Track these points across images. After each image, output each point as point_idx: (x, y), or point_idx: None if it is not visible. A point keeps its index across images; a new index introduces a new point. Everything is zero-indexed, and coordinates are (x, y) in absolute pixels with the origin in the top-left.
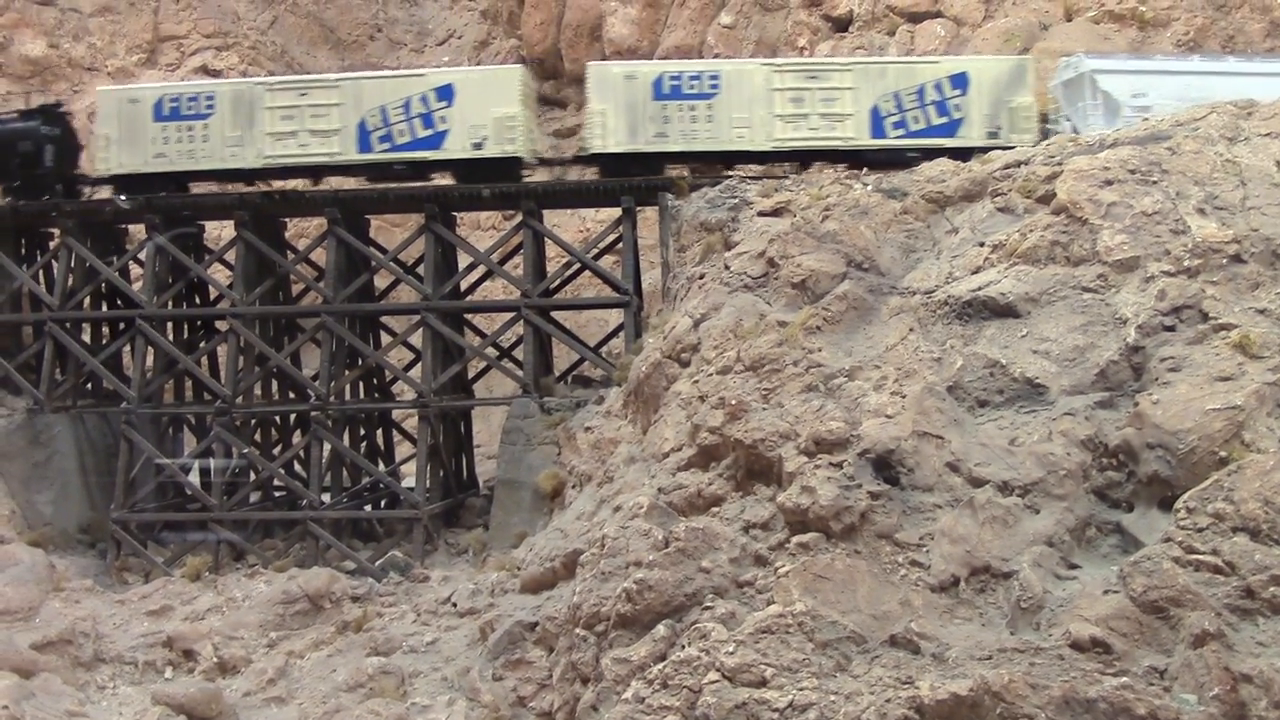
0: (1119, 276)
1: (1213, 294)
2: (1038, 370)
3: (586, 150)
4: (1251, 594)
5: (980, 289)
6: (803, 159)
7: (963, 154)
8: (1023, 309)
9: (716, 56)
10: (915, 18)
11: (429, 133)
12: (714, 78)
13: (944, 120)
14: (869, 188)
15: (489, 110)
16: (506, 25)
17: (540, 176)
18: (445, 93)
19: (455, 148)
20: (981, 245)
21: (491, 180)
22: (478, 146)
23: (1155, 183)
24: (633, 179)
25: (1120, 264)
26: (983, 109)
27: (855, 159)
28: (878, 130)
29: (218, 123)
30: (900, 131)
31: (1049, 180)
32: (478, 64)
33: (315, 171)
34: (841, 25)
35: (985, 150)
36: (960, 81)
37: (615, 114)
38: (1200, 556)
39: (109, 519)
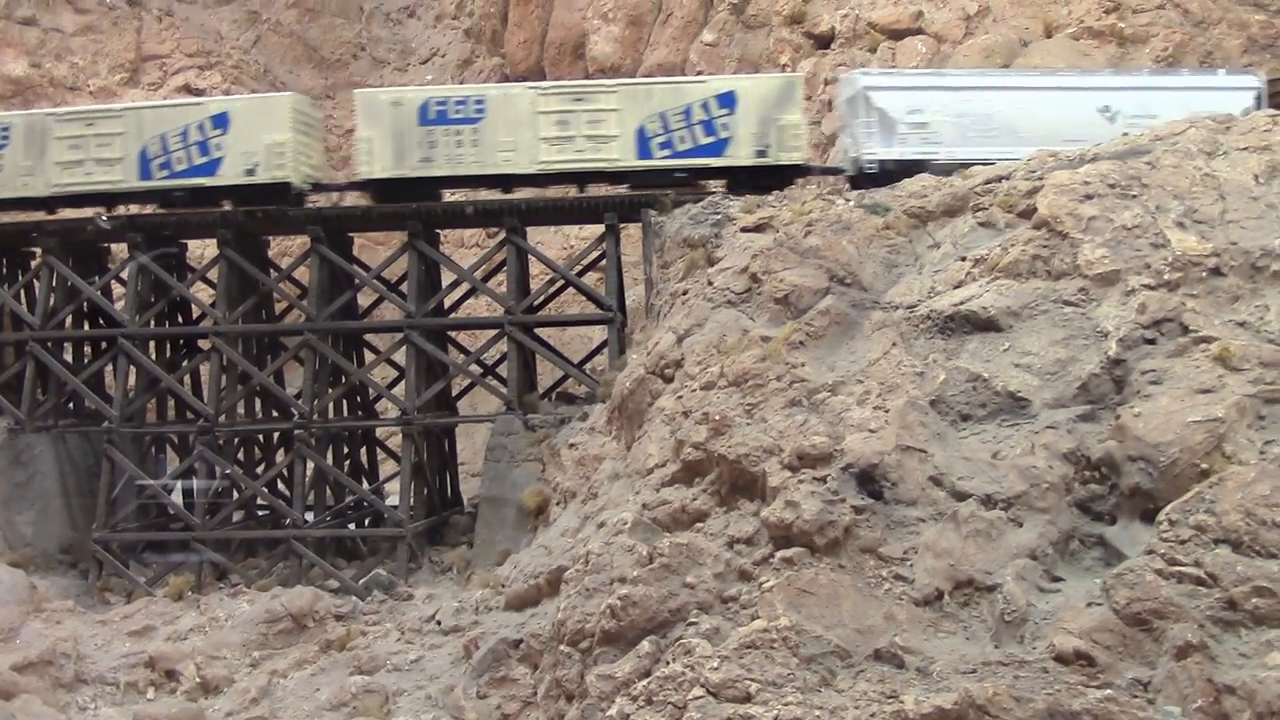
0: (1100, 290)
1: (1193, 307)
2: (1020, 384)
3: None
4: (1234, 605)
5: (962, 303)
6: (569, 181)
7: (729, 173)
8: (1004, 323)
9: (699, 74)
10: (896, 35)
11: (205, 160)
12: (479, 102)
13: (711, 140)
14: (851, 203)
15: (261, 137)
16: (490, 44)
17: (322, 201)
18: (220, 121)
19: (229, 174)
20: (963, 260)
21: (265, 204)
22: (250, 173)
23: (1135, 197)
24: (603, 195)
25: (1101, 277)
26: (750, 128)
27: (623, 180)
28: (644, 151)
29: (12, 153)
30: (667, 152)
31: (1030, 195)
32: (461, 82)
33: (101, 200)
34: (823, 42)
35: (751, 170)
36: (728, 101)
37: (382, 140)
38: (1183, 568)
39: (90, 539)
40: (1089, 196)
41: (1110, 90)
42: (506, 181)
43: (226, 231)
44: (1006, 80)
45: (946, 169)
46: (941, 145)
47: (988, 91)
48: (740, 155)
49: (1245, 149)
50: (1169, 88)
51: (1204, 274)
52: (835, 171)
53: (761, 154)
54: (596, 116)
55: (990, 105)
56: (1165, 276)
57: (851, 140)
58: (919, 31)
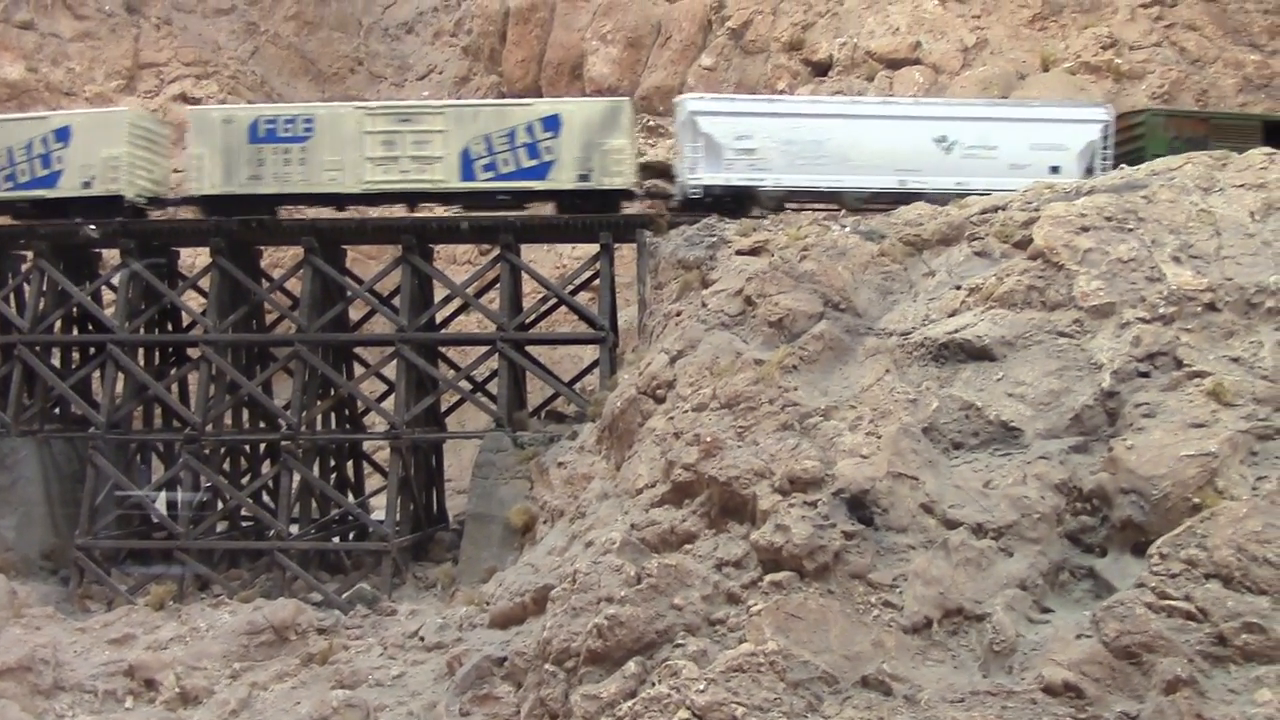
0: (1094, 322)
1: (1187, 341)
2: (1013, 413)
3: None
4: (1224, 641)
5: (956, 331)
6: (394, 202)
7: (552, 196)
8: (998, 352)
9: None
10: (894, 64)
11: (46, 172)
12: (308, 121)
13: (534, 163)
14: (847, 229)
15: (98, 151)
16: (488, 61)
17: (162, 214)
18: (63, 134)
19: (67, 186)
20: (958, 288)
21: (101, 217)
22: (86, 185)
23: (1131, 230)
24: (600, 214)
25: (1096, 310)
26: (574, 151)
27: (449, 202)
28: (468, 173)
29: None
30: (490, 174)
31: (1026, 225)
32: (458, 98)
33: None
34: (821, 70)
35: (575, 193)
36: (552, 124)
37: (212, 157)
38: (1173, 602)
39: (73, 545)
40: (1085, 229)
41: (948, 120)
42: (334, 200)
43: (220, 240)
44: (839, 108)
45: (774, 196)
46: (769, 172)
47: (819, 118)
48: (563, 179)
49: (1241, 186)
50: (1011, 118)
51: (1199, 309)
52: (664, 196)
53: (584, 178)
54: (423, 138)
55: (821, 132)
56: (1160, 310)
57: (681, 165)
58: (916, 62)
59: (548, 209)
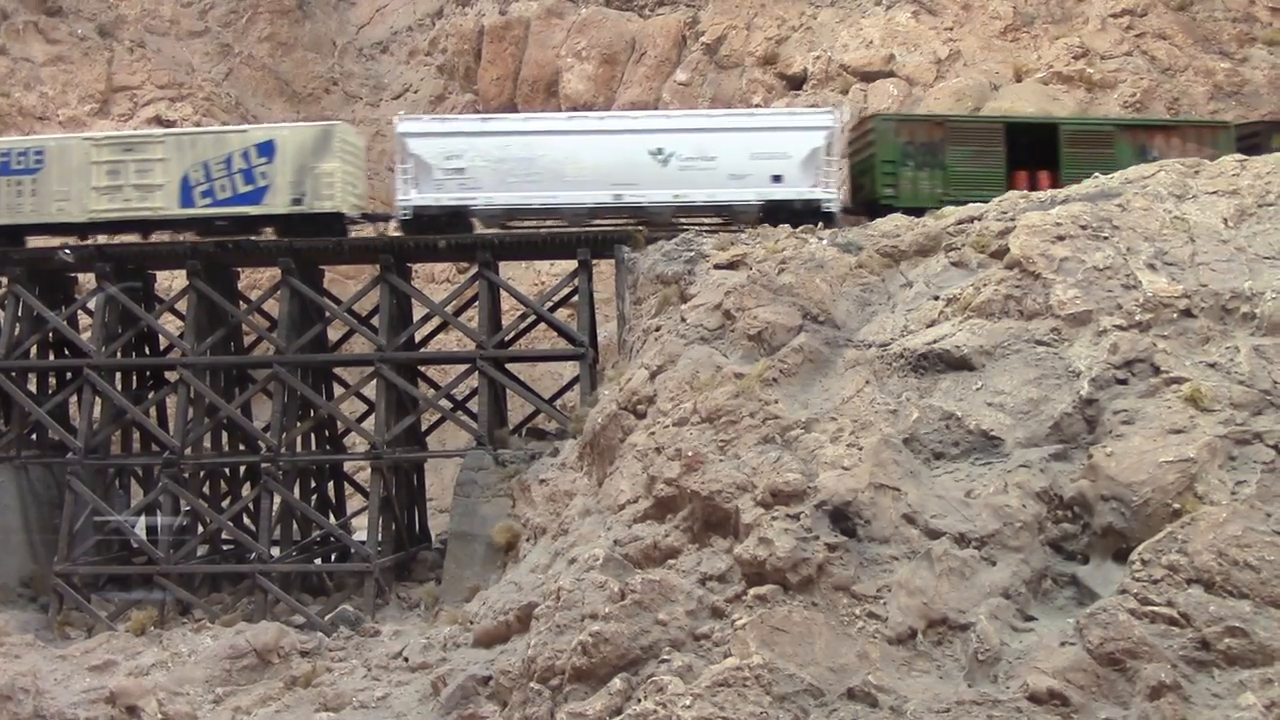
0: (1072, 330)
1: (1164, 348)
2: (993, 423)
3: None
4: (1207, 645)
5: (935, 342)
6: (119, 230)
7: (267, 221)
8: (977, 362)
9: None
10: (868, 77)
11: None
12: (39, 153)
13: (250, 188)
14: (824, 242)
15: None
16: (463, 80)
17: None
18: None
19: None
20: (936, 299)
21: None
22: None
23: (1106, 238)
24: (589, 232)
25: (1073, 318)
26: (288, 176)
27: (172, 228)
28: (187, 200)
29: None
30: (208, 200)
31: (1002, 235)
32: (435, 117)
33: None
34: (796, 83)
35: (290, 217)
36: (267, 149)
37: None
38: (1155, 608)
39: (51, 572)
40: (1061, 237)
41: (664, 132)
42: (64, 230)
43: (196, 263)
44: (550, 124)
45: (487, 215)
46: (480, 191)
47: (530, 136)
48: (277, 204)
49: (1214, 193)
50: (729, 128)
51: (1175, 315)
52: (383, 219)
53: (298, 202)
54: (145, 166)
55: (532, 149)
56: (1137, 317)
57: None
58: (890, 74)
59: (270, 233)
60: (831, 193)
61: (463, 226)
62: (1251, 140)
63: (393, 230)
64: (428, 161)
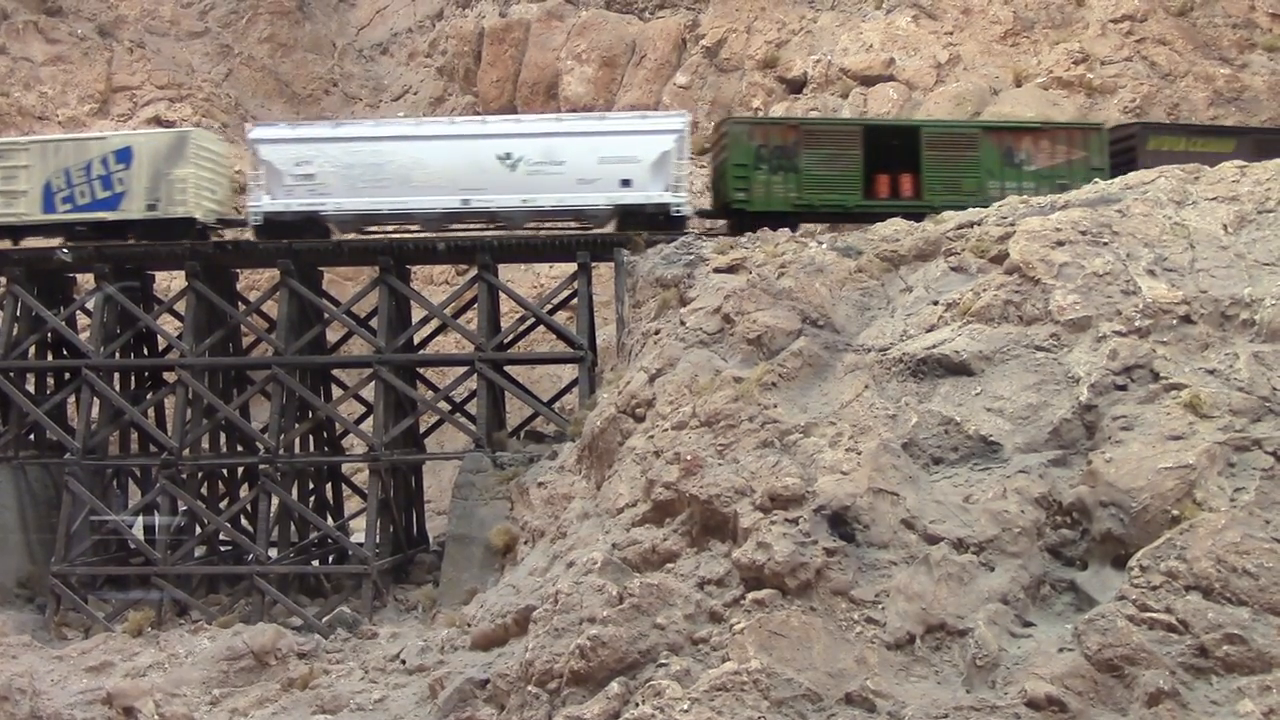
0: (1071, 336)
1: (1163, 354)
2: (992, 428)
3: None
4: (1205, 652)
5: (934, 347)
6: None
7: (124, 226)
8: (976, 367)
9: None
10: (868, 81)
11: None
12: None
13: (108, 194)
14: (824, 246)
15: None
16: (463, 81)
17: None
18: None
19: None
20: (935, 304)
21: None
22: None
23: (1106, 244)
24: (588, 234)
25: (1072, 323)
26: (144, 182)
27: (36, 234)
28: (49, 206)
29: None
30: (69, 206)
31: (1001, 240)
32: (435, 118)
33: None
34: (796, 87)
35: (145, 223)
36: (124, 156)
37: None
38: (1154, 615)
39: (49, 573)
40: (1060, 243)
41: (512, 137)
42: None
43: (195, 264)
44: (398, 130)
45: (339, 221)
46: (330, 197)
47: (379, 141)
48: (133, 209)
49: (1214, 199)
50: (577, 133)
51: (1174, 321)
52: (239, 224)
53: (152, 208)
54: (10, 173)
55: (381, 155)
56: (1136, 323)
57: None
58: (890, 78)
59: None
60: (682, 197)
61: (319, 231)
62: (1126, 143)
63: (247, 235)
64: (278, 168)
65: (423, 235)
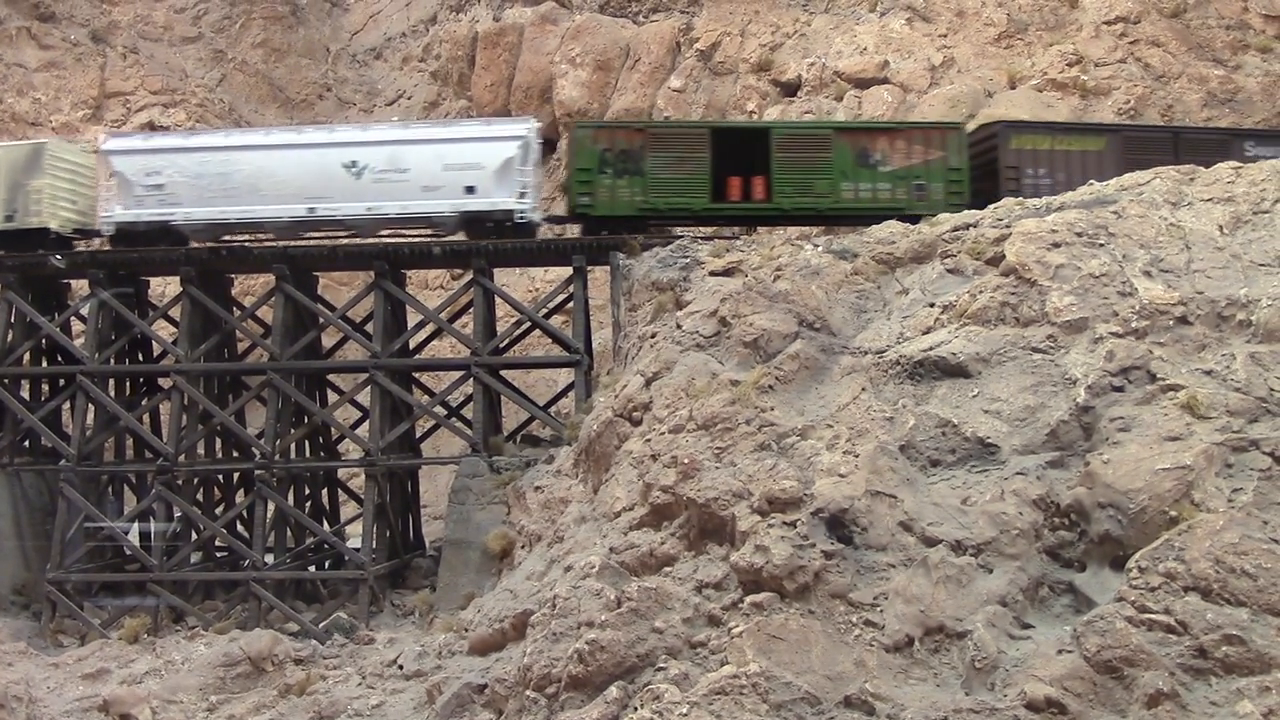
0: (1068, 337)
1: (1160, 355)
2: (989, 430)
3: None
4: (1204, 654)
5: (931, 349)
6: None
7: None
8: (973, 369)
9: (666, 119)
10: (863, 84)
11: None
12: None
13: None
14: (819, 249)
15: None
16: (457, 86)
17: None
18: None
19: None
20: (932, 306)
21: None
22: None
23: (1102, 245)
24: (583, 238)
25: (1069, 325)
26: (1, 194)
27: None
28: None
29: None
30: None
31: (998, 242)
32: (430, 122)
33: None
34: (790, 90)
35: (3, 234)
36: None
37: None
38: (1153, 616)
39: (44, 580)
40: (1056, 244)
41: (357, 145)
42: None
43: (190, 269)
44: (245, 139)
45: (190, 230)
46: (179, 206)
47: (227, 151)
48: None
49: (1209, 200)
50: (422, 140)
51: (1171, 322)
52: (95, 234)
53: (10, 218)
54: None
55: (229, 165)
56: (1133, 324)
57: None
58: (885, 81)
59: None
60: (526, 203)
61: (174, 241)
62: (987, 143)
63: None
64: (129, 178)
65: (418, 239)
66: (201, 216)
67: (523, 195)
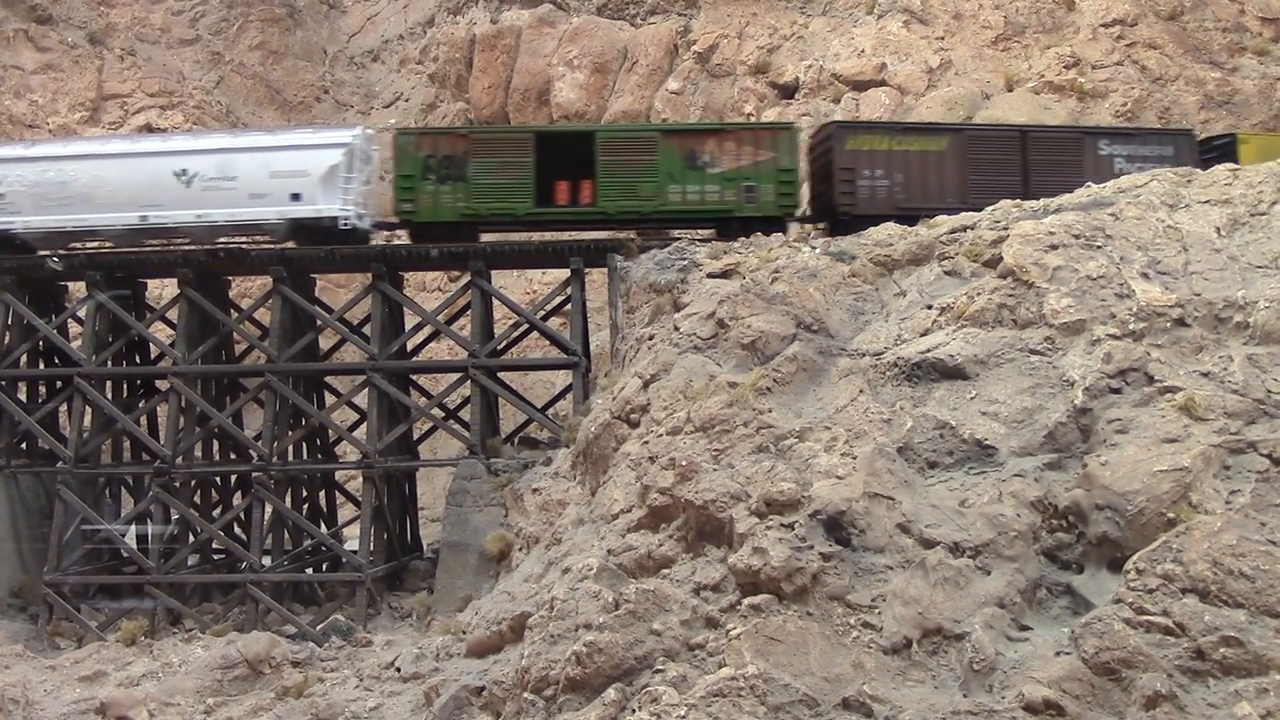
0: (1066, 339)
1: (1158, 357)
2: (987, 432)
3: None
4: (1202, 655)
5: (929, 351)
6: None
7: None
8: (971, 371)
9: (664, 121)
10: (860, 86)
11: None
12: None
13: None
14: (817, 251)
15: None
16: (454, 88)
17: None
18: None
19: None
20: (929, 308)
21: None
22: None
23: (1100, 247)
24: (581, 240)
25: (1067, 327)
26: None
27: None
28: None
29: None
30: None
31: (995, 244)
32: (425, 125)
33: None
34: (788, 92)
35: None
36: None
37: None
38: (1151, 618)
39: (41, 582)
40: (1054, 246)
41: (187, 153)
42: None
43: (187, 271)
44: (81, 148)
45: (31, 238)
46: (19, 215)
47: (64, 160)
48: None
49: (1206, 202)
50: (249, 148)
51: (1168, 324)
52: None
53: None
54: None
55: (66, 174)
56: (1130, 326)
57: None
58: (882, 83)
59: None
60: (349, 210)
61: (17, 249)
62: (824, 145)
63: None
64: None
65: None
66: (40, 225)
67: (348, 202)
